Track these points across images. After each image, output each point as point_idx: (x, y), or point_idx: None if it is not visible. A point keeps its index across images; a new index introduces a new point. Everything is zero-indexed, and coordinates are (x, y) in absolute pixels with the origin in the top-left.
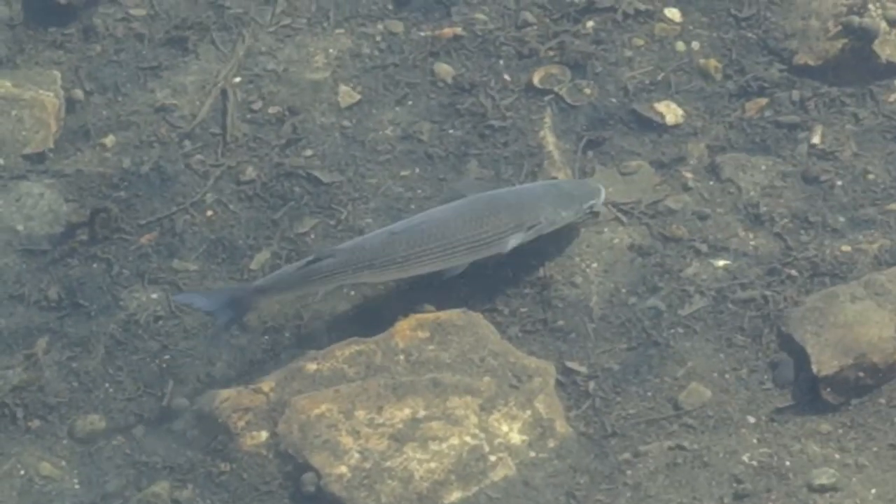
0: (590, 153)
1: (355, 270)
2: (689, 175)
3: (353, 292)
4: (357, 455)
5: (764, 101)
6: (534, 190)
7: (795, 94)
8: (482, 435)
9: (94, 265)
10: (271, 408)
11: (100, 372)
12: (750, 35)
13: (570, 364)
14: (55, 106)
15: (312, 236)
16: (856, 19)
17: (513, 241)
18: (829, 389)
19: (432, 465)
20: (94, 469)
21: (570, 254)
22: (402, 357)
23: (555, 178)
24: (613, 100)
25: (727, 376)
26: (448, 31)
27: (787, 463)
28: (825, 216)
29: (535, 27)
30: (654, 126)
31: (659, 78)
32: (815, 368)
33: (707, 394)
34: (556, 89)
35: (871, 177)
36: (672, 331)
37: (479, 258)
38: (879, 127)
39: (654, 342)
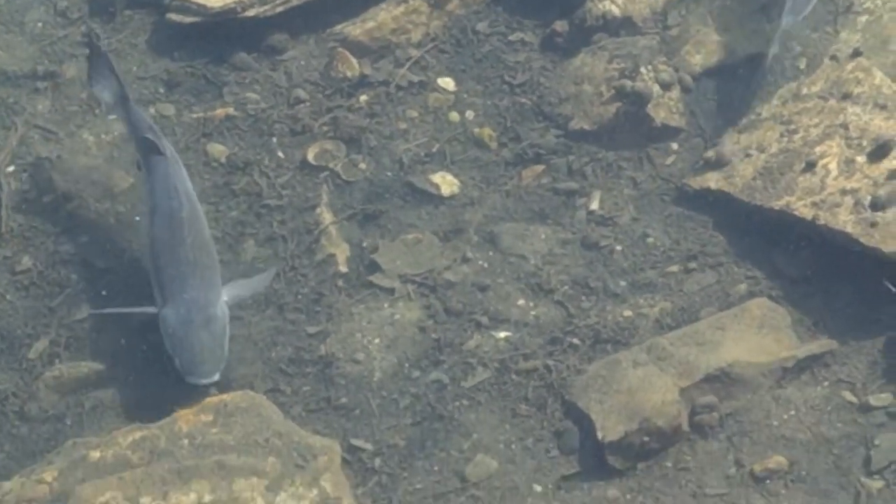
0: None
1: None
2: (466, 246)
3: (131, 377)
4: None
5: (540, 168)
6: None
7: (573, 160)
8: None
9: None
10: (55, 498)
11: None
12: (524, 101)
13: (355, 441)
14: None
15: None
16: (628, 83)
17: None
18: (614, 455)
19: None
20: None
21: (351, 330)
22: (186, 441)
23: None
24: (389, 173)
25: (513, 446)
26: (220, 112)
27: None
28: (606, 282)
29: (308, 104)
30: (431, 198)
31: (434, 149)
32: (600, 435)
33: (493, 465)
34: (331, 165)
35: (650, 240)
36: (456, 403)
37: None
38: (657, 190)
39: (438, 416)
